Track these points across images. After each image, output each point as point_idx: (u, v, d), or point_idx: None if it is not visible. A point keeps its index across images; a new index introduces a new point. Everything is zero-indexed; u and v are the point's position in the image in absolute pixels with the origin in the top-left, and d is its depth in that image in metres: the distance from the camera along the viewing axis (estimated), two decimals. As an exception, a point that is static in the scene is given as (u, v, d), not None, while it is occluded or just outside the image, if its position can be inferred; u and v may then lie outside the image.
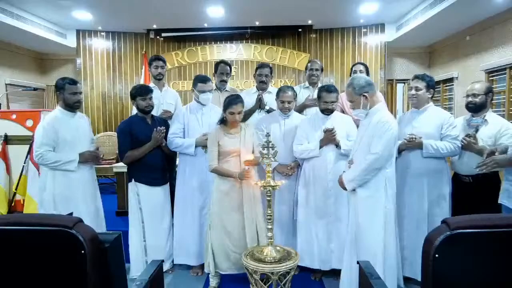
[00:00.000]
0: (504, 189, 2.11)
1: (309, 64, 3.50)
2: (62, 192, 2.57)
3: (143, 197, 2.77)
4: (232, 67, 6.22)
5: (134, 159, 2.73)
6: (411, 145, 2.52)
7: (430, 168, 2.54)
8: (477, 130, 2.50)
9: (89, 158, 2.69)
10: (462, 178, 2.60)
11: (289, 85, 6.07)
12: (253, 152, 2.55)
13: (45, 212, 2.57)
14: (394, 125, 2.18)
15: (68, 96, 2.59)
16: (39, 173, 3.09)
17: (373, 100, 2.23)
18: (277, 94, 2.88)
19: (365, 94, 2.21)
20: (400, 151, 2.58)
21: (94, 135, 6.03)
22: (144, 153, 2.73)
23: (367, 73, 3.32)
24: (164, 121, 3.00)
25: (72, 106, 2.65)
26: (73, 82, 2.63)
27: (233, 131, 2.57)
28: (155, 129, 2.73)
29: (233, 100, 2.51)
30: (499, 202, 2.15)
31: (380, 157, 2.17)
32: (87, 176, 2.71)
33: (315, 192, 2.65)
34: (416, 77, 2.64)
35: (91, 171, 2.78)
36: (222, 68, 3.39)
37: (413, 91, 2.60)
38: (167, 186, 2.90)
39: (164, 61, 3.44)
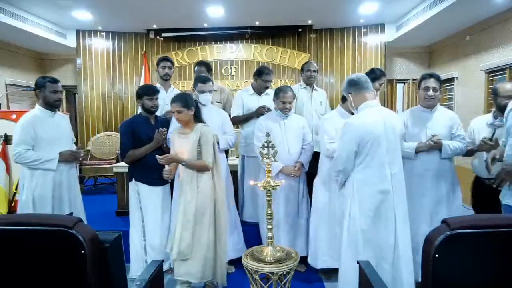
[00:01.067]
0: (507, 189, 2.08)
1: (305, 66, 3.54)
2: (41, 192, 2.53)
3: (143, 197, 2.77)
4: (232, 67, 6.28)
5: (135, 159, 2.75)
6: (435, 146, 2.50)
7: (446, 169, 2.56)
8: (494, 133, 2.48)
9: (69, 158, 2.64)
10: (484, 181, 2.60)
11: (288, 85, 6.09)
12: (198, 157, 2.46)
13: (23, 212, 2.53)
14: (358, 128, 2.10)
15: (49, 94, 2.57)
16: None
17: (357, 99, 2.21)
18: (277, 94, 2.87)
19: (348, 94, 2.24)
20: (416, 152, 2.54)
21: (94, 135, 6.09)
22: (144, 153, 2.73)
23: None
24: (167, 121, 3.00)
25: (52, 105, 2.61)
26: (54, 81, 2.60)
27: (185, 131, 2.55)
28: (156, 130, 2.74)
29: (172, 98, 2.53)
30: (503, 203, 2.13)
31: (336, 159, 2.20)
32: (68, 177, 2.67)
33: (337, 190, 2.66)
34: (432, 76, 2.57)
35: (71, 171, 2.73)
36: (197, 71, 3.46)
37: (431, 92, 2.54)
38: (167, 186, 2.90)
39: (171, 62, 3.45)
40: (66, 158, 2.61)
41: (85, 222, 2.76)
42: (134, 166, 2.80)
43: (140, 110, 2.90)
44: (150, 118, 2.83)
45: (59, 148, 2.60)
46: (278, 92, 2.86)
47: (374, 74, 3.09)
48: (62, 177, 2.62)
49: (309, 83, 3.50)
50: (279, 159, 2.79)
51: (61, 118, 2.75)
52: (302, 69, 3.58)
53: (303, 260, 2.91)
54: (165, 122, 2.94)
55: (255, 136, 2.93)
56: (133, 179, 2.79)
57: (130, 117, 3.03)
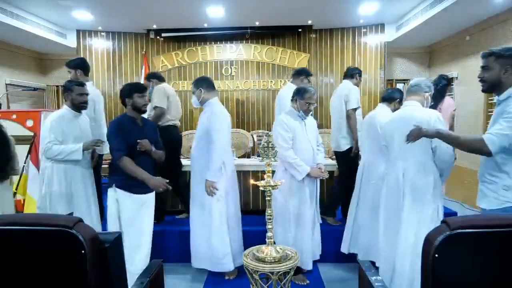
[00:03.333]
0: (479, 191, 2.00)
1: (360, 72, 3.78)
2: (59, 190, 2.63)
3: (122, 205, 2.57)
4: (233, 67, 6.29)
5: (128, 171, 2.50)
6: None
7: None
8: None
9: (91, 146, 2.76)
10: None
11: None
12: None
13: (41, 210, 2.64)
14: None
15: (76, 96, 2.71)
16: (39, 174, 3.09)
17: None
18: (301, 94, 2.76)
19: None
20: None
21: (94, 135, 6.05)
22: (140, 177, 2.50)
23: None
24: (153, 124, 2.89)
25: (78, 107, 2.75)
26: (81, 84, 2.77)
27: None
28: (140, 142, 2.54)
29: None
30: (477, 204, 2.11)
31: None
32: (85, 175, 2.78)
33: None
34: None
35: (89, 171, 2.84)
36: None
37: None
38: (150, 195, 2.69)
39: (68, 66, 3.49)
40: (88, 146, 2.72)
41: (99, 220, 2.82)
42: (114, 172, 2.58)
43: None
44: (137, 119, 2.64)
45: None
46: (303, 92, 2.76)
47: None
48: (81, 176, 2.73)
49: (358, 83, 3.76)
50: (304, 160, 2.76)
51: (84, 121, 2.89)
52: (359, 75, 3.70)
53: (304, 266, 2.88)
54: (152, 123, 2.88)
55: (279, 136, 2.74)
56: (113, 185, 2.58)
57: (117, 117, 2.82)
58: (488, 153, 1.72)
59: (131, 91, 2.58)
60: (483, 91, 1.94)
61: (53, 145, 2.60)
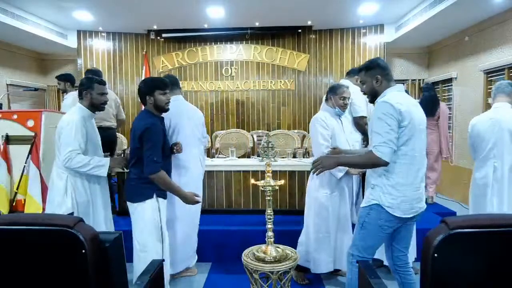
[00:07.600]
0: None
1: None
2: (86, 199, 2.41)
3: (163, 213, 2.39)
4: (233, 68, 6.29)
5: (161, 185, 2.28)
6: None
7: None
8: None
9: (121, 164, 2.44)
10: None
11: (288, 85, 6.02)
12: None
13: None
14: None
15: (96, 96, 2.41)
16: (40, 174, 3.09)
17: None
18: (335, 91, 2.72)
19: None
20: None
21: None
22: (176, 193, 2.33)
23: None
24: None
25: (98, 107, 2.45)
26: (102, 82, 2.46)
27: None
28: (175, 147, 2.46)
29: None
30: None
31: None
32: (102, 180, 2.54)
33: None
34: None
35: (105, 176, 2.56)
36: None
37: None
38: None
39: (58, 78, 3.91)
40: (117, 166, 2.44)
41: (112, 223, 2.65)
42: (152, 181, 2.27)
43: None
44: (160, 119, 2.41)
45: (99, 152, 2.50)
46: (336, 88, 2.72)
47: None
48: (101, 183, 2.51)
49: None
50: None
51: (94, 123, 2.58)
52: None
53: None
54: (163, 119, 2.52)
55: (319, 134, 2.66)
56: (154, 196, 2.31)
57: (143, 115, 2.37)
58: (385, 164, 1.84)
59: (151, 87, 2.31)
60: (369, 102, 2.10)
61: (77, 155, 2.26)
